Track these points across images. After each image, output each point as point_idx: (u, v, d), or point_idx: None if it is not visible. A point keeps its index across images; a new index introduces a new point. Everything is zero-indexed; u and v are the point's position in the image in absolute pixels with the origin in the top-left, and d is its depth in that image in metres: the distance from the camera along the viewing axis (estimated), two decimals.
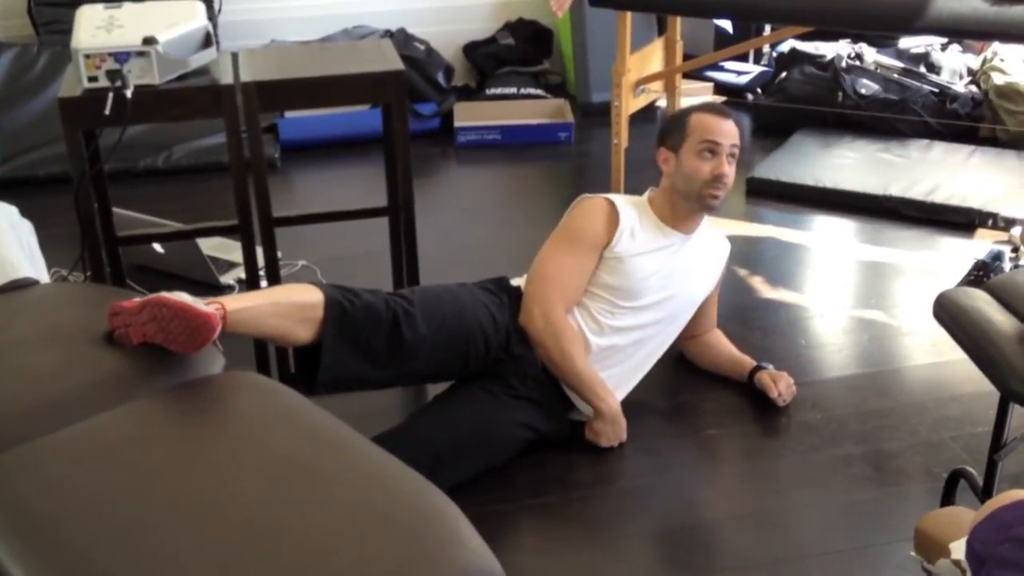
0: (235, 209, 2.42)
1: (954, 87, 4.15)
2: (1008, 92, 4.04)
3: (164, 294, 1.86)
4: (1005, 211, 3.40)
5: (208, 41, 2.36)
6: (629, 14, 3.48)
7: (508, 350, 2.39)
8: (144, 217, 3.09)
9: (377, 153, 2.94)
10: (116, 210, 2.76)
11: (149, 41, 2.22)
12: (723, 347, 2.71)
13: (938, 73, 4.27)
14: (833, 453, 2.39)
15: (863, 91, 4.11)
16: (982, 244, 3.29)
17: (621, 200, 2.51)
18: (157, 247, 3.13)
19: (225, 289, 3.10)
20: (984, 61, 4.24)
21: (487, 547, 1.39)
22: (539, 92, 4.57)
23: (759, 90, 4.60)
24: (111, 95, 2.19)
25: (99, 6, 2.36)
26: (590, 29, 4.46)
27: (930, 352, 2.78)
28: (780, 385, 2.56)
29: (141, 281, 3.03)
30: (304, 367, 2.26)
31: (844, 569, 2.06)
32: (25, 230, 2.44)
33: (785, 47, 4.48)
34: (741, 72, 4.73)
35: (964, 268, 3.12)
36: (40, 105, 4.03)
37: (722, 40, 4.69)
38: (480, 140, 4.25)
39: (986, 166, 3.76)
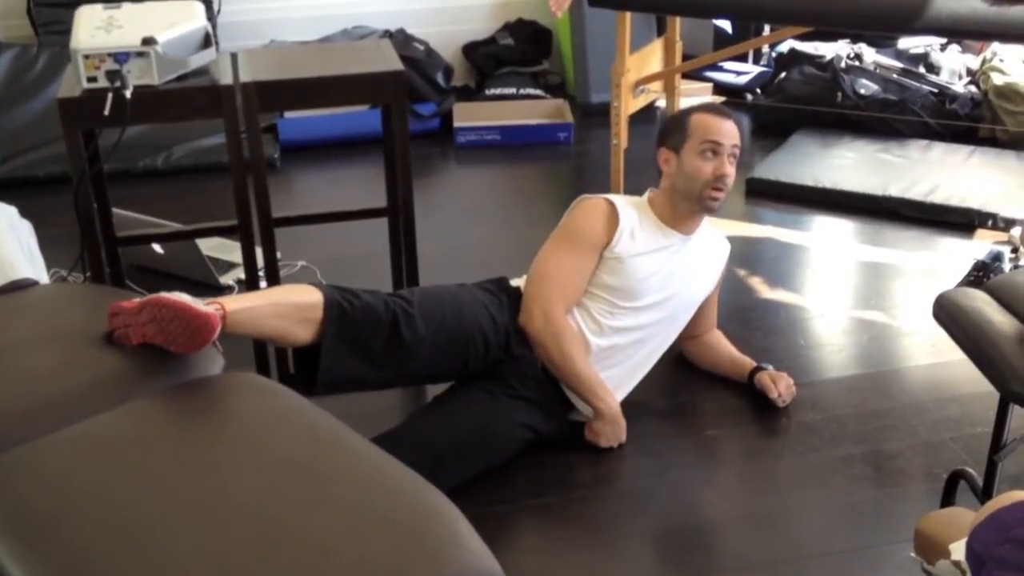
0: (235, 209, 2.42)
1: (953, 87, 4.15)
2: (1007, 92, 4.04)
3: (164, 294, 1.85)
4: (1004, 211, 3.40)
5: (207, 41, 2.36)
6: (628, 14, 3.48)
7: (508, 351, 2.39)
8: (143, 217, 3.09)
9: (376, 153, 2.94)
10: (115, 210, 2.76)
11: (148, 41, 2.22)
12: (723, 348, 2.71)
13: (937, 73, 4.27)
14: (833, 454, 2.39)
15: (862, 91, 4.12)
16: (982, 244, 3.29)
17: (621, 200, 2.51)
18: (156, 247, 3.13)
19: (224, 290, 3.10)
20: (983, 61, 4.24)
21: (487, 548, 1.39)
22: (538, 92, 4.57)
23: (758, 90, 4.60)
24: (110, 95, 2.19)
25: (98, 6, 2.36)
26: (589, 29, 4.46)
27: (930, 353, 2.78)
28: (780, 386, 2.56)
29: (140, 281, 3.03)
30: (303, 368, 2.25)
31: (844, 570, 2.06)
32: (24, 230, 2.44)
33: (784, 47, 4.48)
34: (740, 72, 4.73)
35: (964, 269, 3.12)
36: (39, 105, 4.03)
37: (721, 40, 4.69)
38: (479, 140, 4.25)
39: (985, 166, 3.76)
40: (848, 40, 4.40)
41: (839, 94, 4.12)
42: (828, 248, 3.37)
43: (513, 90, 4.56)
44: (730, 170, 2.46)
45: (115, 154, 2.41)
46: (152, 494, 1.47)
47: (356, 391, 2.30)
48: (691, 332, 2.68)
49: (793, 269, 3.25)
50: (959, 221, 3.44)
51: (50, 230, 2.75)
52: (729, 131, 2.46)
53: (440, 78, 4.43)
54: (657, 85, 4.02)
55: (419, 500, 1.45)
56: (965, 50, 4.47)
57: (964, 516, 1.42)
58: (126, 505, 1.45)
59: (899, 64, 4.25)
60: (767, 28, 4.60)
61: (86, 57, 2.20)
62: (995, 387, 1.83)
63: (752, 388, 2.60)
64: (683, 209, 2.50)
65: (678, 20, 3.99)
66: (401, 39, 4.49)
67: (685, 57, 4.12)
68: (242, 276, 2.87)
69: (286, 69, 2.44)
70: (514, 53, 4.72)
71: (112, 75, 2.21)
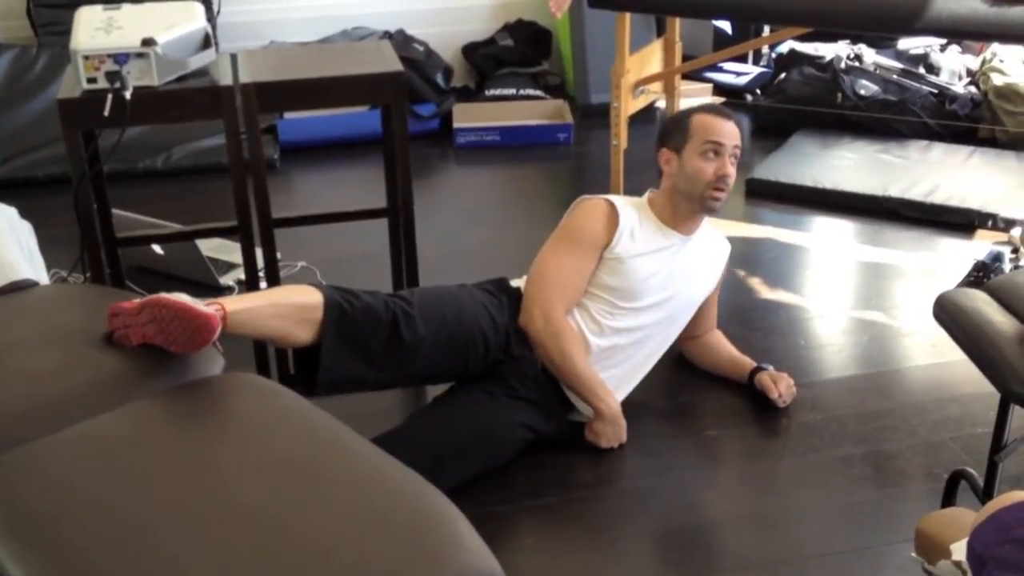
0: (234, 210, 2.42)
1: (953, 88, 4.15)
2: (1007, 93, 4.04)
3: (164, 295, 1.85)
4: (1004, 212, 3.40)
5: (207, 42, 2.36)
6: (628, 15, 3.48)
7: (508, 351, 2.39)
8: (143, 218, 3.09)
9: (376, 154, 2.94)
10: (115, 211, 2.76)
11: (148, 42, 2.22)
12: (723, 348, 2.71)
13: (937, 74, 4.27)
14: (833, 454, 2.39)
15: (862, 92, 4.12)
16: (982, 245, 3.29)
17: (621, 201, 2.51)
18: (156, 248, 3.13)
19: (224, 290, 3.10)
20: (983, 62, 4.24)
21: (487, 548, 1.39)
22: (538, 93, 4.57)
23: (758, 91, 4.60)
24: (110, 96, 2.19)
25: (98, 7, 2.36)
26: (589, 30, 4.46)
27: (930, 353, 2.78)
28: (780, 386, 2.56)
29: (140, 282, 3.02)
30: (303, 368, 2.25)
31: (844, 570, 2.06)
32: (24, 231, 2.44)
33: (784, 48, 4.48)
34: (740, 73, 4.73)
35: (964, 269, 3.12)
36: (39, 106, 4.03)
37: (721, 41, 4.70)
38: (479, 141, 4.25)
39: (985, 167, 3.76)
40: (848, 41, 4.40)
41: (839, 95, 4.12)
42: (828, 248, 3.37)
43: (513, 91, 4.56)
44: (731, 170, 2.46)
45: (115, 155, 2.41)
46: (152, 494, 1.47)
47: (356, 391, 2.30)
48: (691, 332, 2.68)
49: (793, 269, 3.25)
50: (959, 221, 3.44)
51: (50, 231, 2.75)
52: (730, 132, 2.46)
53: (440, 79, 4.43)
54: (657, 86, 4.02)
55: (419, 500, 1.45)
56: (965, 51, 4.47)
57: (965, 516, 1.42)
58: (126, 505, 1.45)
59: (899, 65, 4.25)
60: (767, 29, 4.60)
61: (86, 58, 2.20)
62: (995, 387, 1.83)
63: (752, 388, 2.60)
64: (684, 209, 2.50)
65: (678, 21, 3.99)
66: (401, 40, 4.49)
67: (685, 58, 4.12)
68: (242, 277, 2.87)
69: (286, 70, 2.44)
70: (514, 54, 4.72)
71: (112, 76, 2.21)
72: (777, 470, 2.36)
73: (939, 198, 3.51)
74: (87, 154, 2.31)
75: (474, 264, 3.15)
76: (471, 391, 2.36)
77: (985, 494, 2.01)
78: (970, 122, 4.06)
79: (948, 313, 1.97)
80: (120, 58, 2.21)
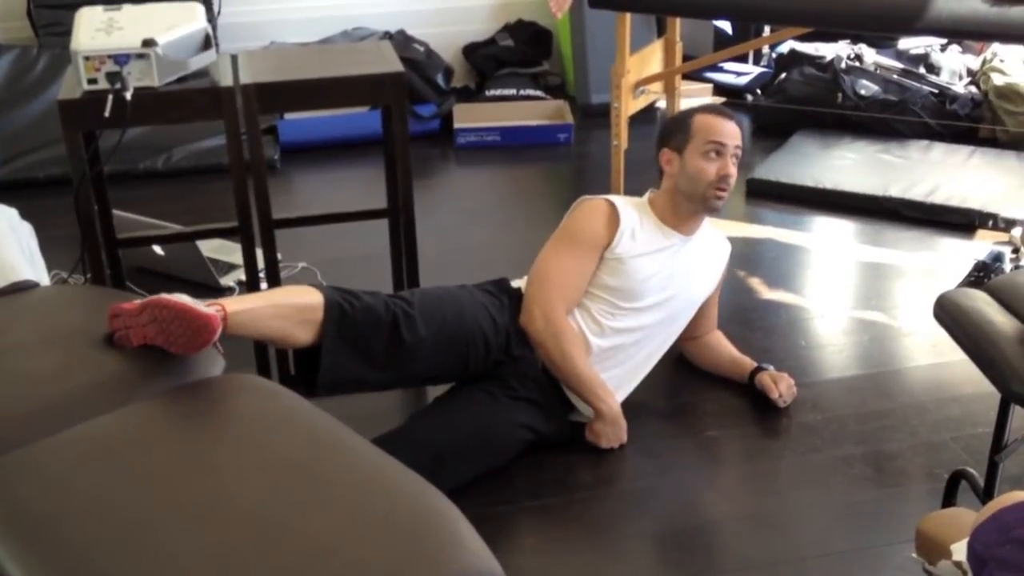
0: (235, 211, 2.42)
1: (954, 88, 4.15)
2: (1008, 93, 4.04)
3: (164, 296, 1.85)
4: (1005, 212, 3.40)
5: (207, 43, 2.36)
6: (628, 15, 3.48)
7: (508, 352, 2.39)
8: (144, 219, 3.09)
9: (377, 155, 2.94)
10: (116, 212, 2.76)
11: (149, 43, 2.22)
12: (724, 348, 2.71)
13: (938, 74, 4.27)
14: (834, 454, 2.39)
15: (863, 92, 4.12)
16: (982, 245, 3.29)
17: (621, 201, 2.51)
18: (157, 249, 3.13)
19: (225, 291, 3.10)
20: (984, 62, 4.24)
21: (487, 549, 1.39)
22: (538, 93, 4.57)
23: (759, 91, 4.60)
24: (111, 97, 2.19)
25: (98, 8, 2.36)
26: (589, 30, 4.46)
27: (930, 353, 2.78)
28: (781, 386, 2.56)
29: (141, 283, 3.02)
30: (304, 369, 2.25)
31: (845, 570, 2.06)
32: (25, 232, 2.44)
33: (784, 48, 4.48)
34: (741, 73, 4.73)
35: (964, 269, 3.12)
36: (40, 107, 4.03)
37: (721, 41, 4.69)
38: (480, 141, 4.25)
39: (986, 167, 3.76)
40: (848, 41, 4.40)
41: (839, 95, 4.12)
42: (829, 249, 3.37)
43: (513, 91, 4.56)
44: (733, 170, 2.46)
45: (115, 156, 2.41)
46: (153, 495, 1.47)
47: (356, 392, 2.30)
48: (692, 333, 2.68)
49: (794, 270, 3.25)
50: (959, 221, 3.44)
51: (51, 232, 2.75)
52: (732, 132, 2.46)
53: (440, 79, 4.43)
54: (657, 86, 4.01)
55: (420, 501, 1.45)
56: (965, 51, 4.47)
57: (965, 516, 1.42)
58: (127, 506, 1.45)
59: (899, 65, 4.25)
60: (767, 29, 4.60)
61: (86, 59, 2.20)
62: (996, 387, 1.83)
63: (753, 389, 2.60)
64: (685, 209, 2.50)
65: (678, 21, 3.99)
66: (401, 40, 4.49)
67: (685, 58, 4.12)
68: (243, 277, 2.87)
69: (286, 71, 2.44)
70: (514, 54, 4.72)
71: (112, 77, 2.21)
72: (777, 470, 2.36)
73: (939, 198, 3.51)
74: (88, 155, 2.31)
75: (474, 264, 3.15)
76: (471, 392, 2.36)
77: (985, 494, 2.01)
78: (970, 122, 4.06)
79: (948, 313, 1.97)
80: (121, 59, 2.21)
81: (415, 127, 4.12)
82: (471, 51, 4.79)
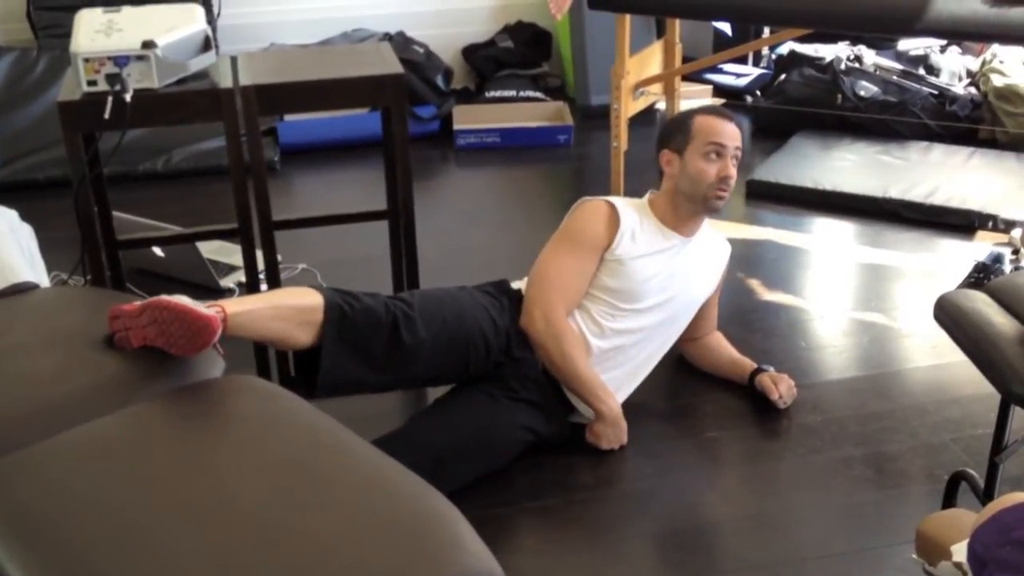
0: (235, 213, 2.42)
1: (953, 89, 4.15)
2: (1007, 94, 4.05)
3: (164, 297, 1.85)
4: (1005, 213, 3.40)
5: (207, 45, 2.36)
6: (628, 17, 3.48)
7: (508, 353, 2.39)
8: (144, 221, 3.09)
9: (377, 156, 2.94)
10: (116, 214, 2.76)
11: (148, 45, 2.22)
12: (723, 349, 2.71)
13: (937, 75, 4.27)
14: (834, 455, 2.39)
15: (862, 93, 4.12)
16: (982, 246, 3.29)
17: (622, 203, 2.51)
18: (157, 251, 3.13)
19: (225, 292, 3.10)
20: (983, 63, 4.24)
21: (487, 550, 1.39)
22: (538, 95, 4.57)
23: (758, 92, 4.60)
24: (110, 99, 2.19)
25: (98, 10, 2.36)
26: (589, 32, 4.46)
27: (930, 354, 2.78)
28: (781, 387, 2.56)
29: (141, 285, 3.02)
30: (304, 370, 2.25)
31: (845, 571, 2.06)
32: (25, 234, 2.44)
33: (784, 49, 4.48)
34: (740, 74, 4.73)
35: (964, 270, 3.12)
36: (39, 109, 4.03)
37: (721, 42, 4.69)
38: (479, 143, 4.25)
39: (986, 168, 3.76)
40: (848, 42, 4.40)
41: (839, 96, 4.12)
42: (828, 250, 3.37)
43: (513, 92, 4.56)
44: (733, 172, 2.46)
45: (115, 157, 2.41)
46: (153, 497, 1.47)
47: (356, 394, 2.30)
48: (692, 334, 2.68)
49: (793, 271, 3.25)
50: (959, 223, 3.44)
51: (50, 233, 2.75)
52: (732, 133, 2.46)
53: (440, 81, 4.43)
54: (657, 87, 4.02)
55: (420, 502, 1.45)
56: (965, 52, 4.47)
57: (965, 518, 1.42)
58: (127, 507, 1.45)
59: (899, 66, 4.25)
60: (767, 30, 4.60)
61: (86, 60, 2.20)
62: (996, 388, 1.83)
63: (753, 390, 2.60)
64: (685, 211, 2.51)
65: (678, 22, 3.99)
66: (401, 42, 4.49)
67: (685, 59, 4.12)
68: (242, 279, 2.87)
69: (286, 72, 2.44)
70: (514, 55, 4.72)
71: (112, 78, 2.21)
72: (777, 471, 2.36)
73: (939, 199, 3.51)
74: (87, 157, 2.32)
75: (475, 266, 3.15)
76: (472, 393, 2.36)
77: (986, 495, 2.01)
78: (970, 123, 4.06)
79: (948, 314, 1.97)
80: (120, 60, 2.21)
81: (415, 128, 4.12)
82: (471, 52, 4.79)
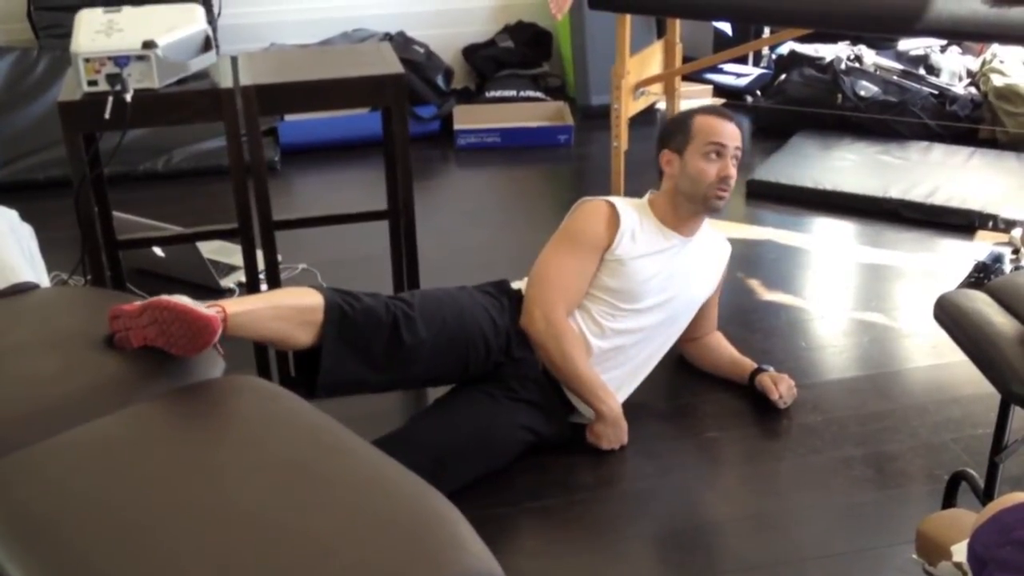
0: (235, 213, 2.42)
1: (953, 89, 4.15)
2: (1007, 94, 4.04)
3: (164, 297, 1.85)
4: (1005, 213, 3.40)
5: (208, 45, 2.36)
6: (628, 17, 3.48)
7: (508, 353, 2.39)
8: (144, 221, 3.09)
9: (377, 156, 2.94)
10: (116, 214, 2.76)
11: (149, 45, 2.22)
12: (724, 349, 2.71)
13: (937, 75, 4.27)
14: (834, 455, 2.39)
15: (862, 93, 4.12)
16: (982, 246, 3.29)
17: (622, 203, 2.51)
18: (157, 251, 3.13)
19: (225, 292, 3.10)
20: (983, 63, 4.24)
21: (488, 550, 1.39)
22: (538, 95, 4.57)
23: (758, 92, 4.60)
24: (111, 99, 2.19)
25: (98, 10, 2.36)
26: (589, 32, 4.46)
27: (930, 354, 2.78)
28: (781, 387, 2.56)
29: (141, 285, 3.02)
30: (304, 371, 2.25)
31: (845, 571, 2.06)
32: (25, 234, 2.44)
33: (784, 49, 4.48)
34: (740, 74, 4.73)
35: (964, 270, 3.12)
36: (40, 109, 4.03)
37: (721, 42, 4.69)
38: (480, 143, 4.25)
39: (986, 168, 3.76)
40: (848, 42, 4.40)
41: (839, 96, 4.12)
42: (829, 250, 3.37)
43: (513, 92, 4.56)
44: (733, 171, 2.46)
45: (115, 158, 2.41)
46: (153, 497, 1.47)
47: (356, 394, 2.30)
48: (692, 334, 2.68)
49: (794, 271, 3.25)
50: (959, 223, 3.44)
51: (51, 233, 2.75)
52: (732, 133, 2.46)
53: (440, 81, 4.44)
54: (657, 87, 4.01)
55: (420, 502, 1.45)
56: (965, 52, 4.47)
57: (965, 518, 1.42)
58: (127, 508, 1.45)
59: (899, 66, 4.25)
60: (767, 30, 4.60)
61: (86, 61, 2.20)
62: (996, 388, 1.83)
63: (753, 390, 2.60)
64: (686, 211, 2.51)
65: (678, 22, 3.99)
66: (401, 42, 4.50)
67: (685, 59, 4.12)
68: (243, 279, 2.87)
69: (286, 72, 2.44)
70: (514, 55, 4.72)
71: (112, 79, 2.21)
72: (778, 471, 2.36)
73: (939, 199, 3.51)
74: (88, 157, 2.32)
75: (475, 266, 3.15)
76: (472, 393, 2.36)
77: (986, 495, 2.01)
78: (970, 123, 4.06)
79: (949, 314, 1.97)
80: (121, 61, 2.21)
81: (415, 128, 4.12)
82: (471, 52, 4.79)
